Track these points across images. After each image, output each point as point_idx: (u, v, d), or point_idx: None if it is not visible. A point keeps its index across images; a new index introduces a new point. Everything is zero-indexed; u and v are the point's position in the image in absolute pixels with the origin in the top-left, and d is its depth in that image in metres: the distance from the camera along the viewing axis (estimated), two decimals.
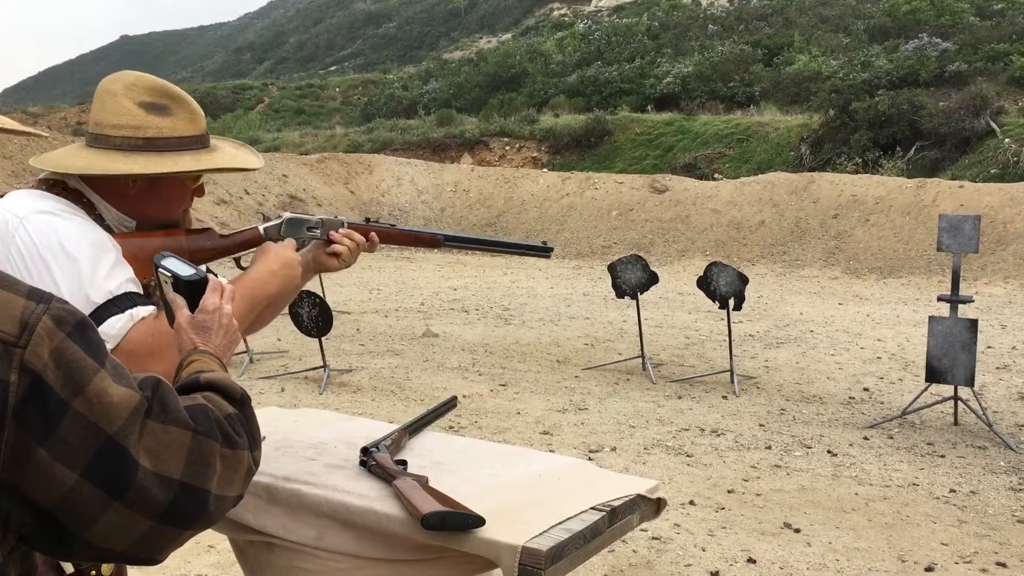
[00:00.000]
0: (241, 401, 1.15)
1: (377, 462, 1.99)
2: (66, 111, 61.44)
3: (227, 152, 1.81)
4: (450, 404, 2.56)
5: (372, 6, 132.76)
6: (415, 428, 2.32)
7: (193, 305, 1.38)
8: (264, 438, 2.21)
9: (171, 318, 1.41)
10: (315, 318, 6.95)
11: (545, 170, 26.67)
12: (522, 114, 34.56)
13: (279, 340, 8.69)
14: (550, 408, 6.62)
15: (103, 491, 0.93)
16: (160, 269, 1.44)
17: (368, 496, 1.85)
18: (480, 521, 1.70)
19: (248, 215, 19.86)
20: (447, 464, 2.10)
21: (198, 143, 1.74)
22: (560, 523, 1.77)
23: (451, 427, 5.90)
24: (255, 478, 1.57)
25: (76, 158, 1.66)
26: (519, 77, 45.27)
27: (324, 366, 7.07)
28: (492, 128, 33.02)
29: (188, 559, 3.68)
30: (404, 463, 2.03)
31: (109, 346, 1.20)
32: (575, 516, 1.81)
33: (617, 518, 1.91)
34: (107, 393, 0.94)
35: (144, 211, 1.76)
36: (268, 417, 2.54)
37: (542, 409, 6.58)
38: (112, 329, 1.56)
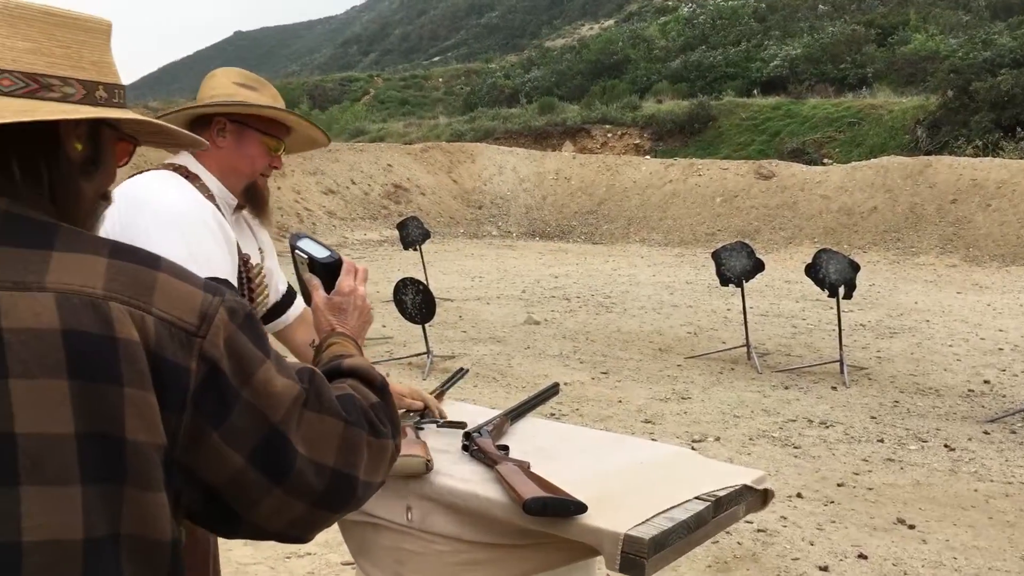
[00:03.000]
0: (382, 389, 1.18)
1: (479, 447, 2.00)
2: (184, 105, 64.00)
3: (304, 124, 2.03)
4: (552, 391, 2.56)
5: None
6: (517, 414, 2.33)
7: (328, 286, 1.41)
8: None
9: (307, 297, 1.44)
10: (419, 305, 7.05)
11: (647, 157, 26.36)
12: (624, 101, 34.22)
13: (384, 326, 8.85)
14: (652, 396, 6.55)
15: (266, 476, 0.98)
16: (297, 250, 1.48)
17: (470, 480, 1.86)
18: (582, 507, 1.68)
19: (354, 204, 20.30)
20: (549, 450, 2.09)
21: (277, 112, 1.97)
22: (663, 512, 1.74)
23: (552, 414, 5.91)
24: None
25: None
26: (621, 63, 44.83)
27: (427, 352, 7.17)
28: (594, 115, 32.80)
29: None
30: (506, 448, 2.03)
31: None
32: (679, 505, 1.78)
33: (722, 508, 1.87)
34: (272, 383, 0.99)
35: (234, 166, 1.94)
36: None
37: (644, 397, 6.52)
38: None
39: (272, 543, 3.81)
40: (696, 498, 1.83)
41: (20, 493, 0.84)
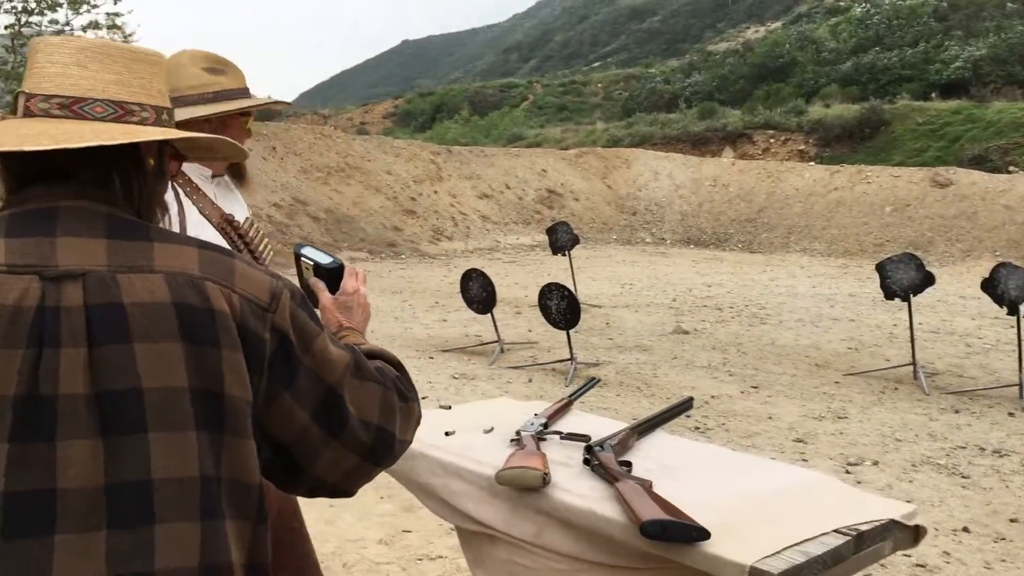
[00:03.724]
0: (400, 366, 1.37)
1: (600, 462, 1.90)
2: (352, 112, 66.75)
3: (263, 97, 2.26)
4: (684, 406, 2.43)
5: (637, 1, 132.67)
6: (645, 428, 2.22)
7: (332, 288, 1.56)
8: (492, 429, 2.20)
9: (313, 300, 1.56)
10: (563, 311, 6.98)
11: (812, 163, 25.35)
12: (789, 105, 33.10)
13: (529, 331, 8.85)
14: (805, 414, 6.23)
15: (326, 431, 1.17)
16: (301, 257, 1.64)
17: (588, 496, 1.77)
18: (705, 534, 1.57)
19: (508, 209, 20.51)
20: (675, 469, 1.97)
21: (246, 93, 2.14)
22: (796, 544, 1.60)
23: (696, 427, 5.71)
24: (479, 470, 1.93)
25: (181, 111, 1.97)
26: (787, 67, 43.42)
27: (571, 359, 7.10)
28: (756, 120, 31.90)
29: (431, 540, 3.80)
30: (629, 465, 1.93)
31: None
32: (815, 538, 1.64)
33: (865, 544, 1.71)
34: (328, 351, 1.18)
35: (223, 154, 2.09)
36: (499, 407, 2.54)
37: (796, 415, 6.21)
38: None
39: (407, 543, 3.86)
40: (835, 531, 1.68)
41: (149, 438, 1.01)
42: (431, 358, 7.53)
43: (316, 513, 4.04)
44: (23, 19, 18.36)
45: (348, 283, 1.58)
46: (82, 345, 1.00)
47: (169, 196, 1.88)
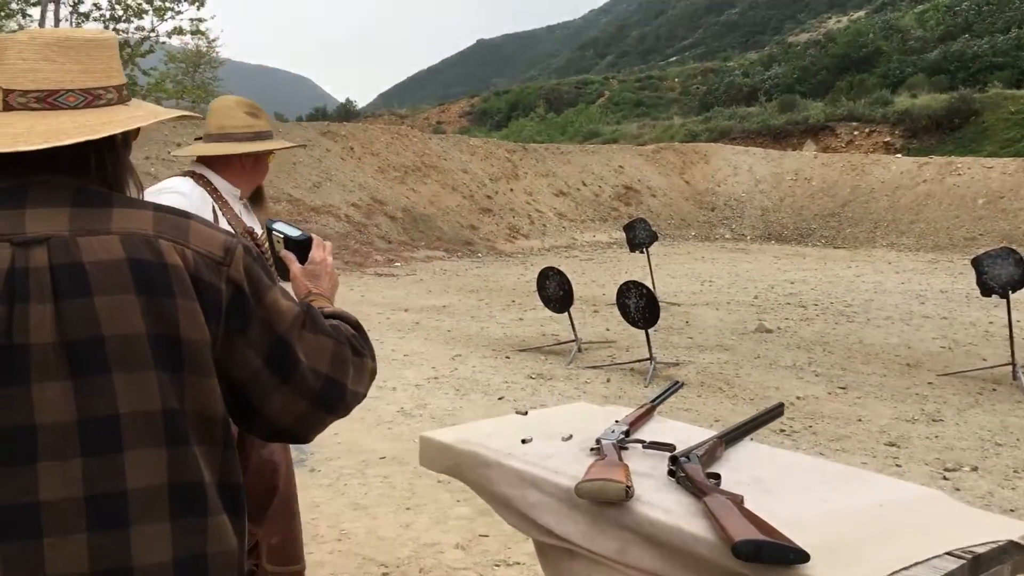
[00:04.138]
0: (357, 326, 1.47)
1: (687, 474, 1.79)
2: (428, 112, 67.32)
3: (283, 139, 2.83)
4: (775, 412, 2.29)
5: None
6: (734, 437, 2.09)
7: (302, 259, 1.70)
8: (570, 436, 2.11)
9: (282, 271, 1.73)
10: (642, 309, 6.84)
11: (898, 155, 24.52)
12: (873, 96, 32.14)
13: (607, 330, 8.71)
14: (897, 416, 5.96)
15: (276, 376, 1.29)
16: (273, 231, 1.79)
17: (674, 512, 1.67)
18: (803, 556, 1.45)
19: (585, 206, 20.35)
20: (768, 482, 1.84)
21: (271, 134, 2.69)
22: (905, 568, 1.48)
23: (782, 430, 5.51)
24: (557, 481, 1.85)
25: (218, 147, 2.58)
26: (871, 56, 42.18)
27: (650, 358, 6.94)
28: (839, 112, 31.06)
29: (508, 545, 3.72)
30: (717, 477, 1.81)
31: None
32: (925, 561, 1.50)
33: (981, 568, 1.56)
34: (279, 303, 1.31)
35: (251, 180, 2.68)
36: (578, 413, 2.44)
37: (888, 417, 5.94)
38: None
39: (484, 548, 3.78)
40: (948, 554, 1.55)
41: (113, 379, 1.14)
42: (507, 358, 7.46)
43: (392, 516, 4.01)
44: (111, 26, 18.95)
45: (316, 253, 1.72)
46: (49, 300, 1.15)
47: (208, 209, 2.49)
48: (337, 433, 5.21)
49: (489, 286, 12.23)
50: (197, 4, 19.51)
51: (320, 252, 1.73)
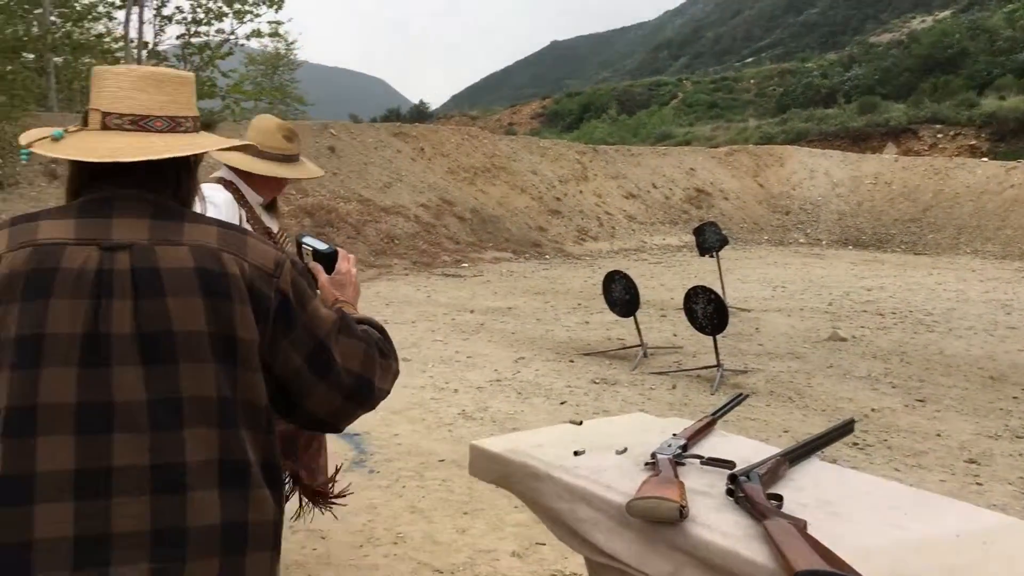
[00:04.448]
0: (383, 331, 1.65)
1: (746, 494, 1.69)
2: (500, 113, 67.47)
3: (308, 164, 3.08)
4: (844, 429, 2.17)
5: None
6: (799, 455, 1.97)
7: (328, 270, 1.86)
8: (625, 450, 2.01)
9: (313, 281, 1.81)
10: (710, 315, 6.67)
11: (984, 159, 23.63)
12: (959, 98, 31.10)
13: (674, 335, 8.53)
14: (979, 432, 5.69)
15: (315, 374, 1.48)
16: (302, 245, 1.94)
17: (732, 535, 1.57)
18: None
19: (655, 209, 20.11)
20: (835, 505, 1.73)
21: (299, 157, 3.03)
22: None
23: (855, 444, 5.30)
24: (609, 497, 1.81)
25: (259, 163, 2.87)
26: (957, 57, 40.82)
27: (718, 365, 6.77)
28: (922, 114, 30.14)
29: (565, 555, 3.64)
30: (779, 499, 1.70)
31: None
32: None
33: None
34: (319, 311, 1.51)
35: (273, 192, 3.02)
36: (634, 425, 2.34)
37: (968, 433, 5.68)
38: None
39: (541, 556, 3.71)
40: None
41: (179, 368, 1.34)
42: (571, 362, 7.36)
43: (449, 521, 3.96)
44: (192, 29, 19.40)
45: (341, 265, 1.89)
46: (129, 298, 1.35)
47: (236, 216, 2.82)
48: (398, 435, 5.19)
49: (556, 288, 12.14)
50: (275, 7, 19.83)
51: (345, 264, 1.89)
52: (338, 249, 1.91)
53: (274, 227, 3.09)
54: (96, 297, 1.34)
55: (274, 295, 1.43)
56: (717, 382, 6.61)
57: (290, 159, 3.01)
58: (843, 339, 8.63)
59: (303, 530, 3.76)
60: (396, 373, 1.63)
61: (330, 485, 2.99)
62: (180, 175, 1.48)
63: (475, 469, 2.13)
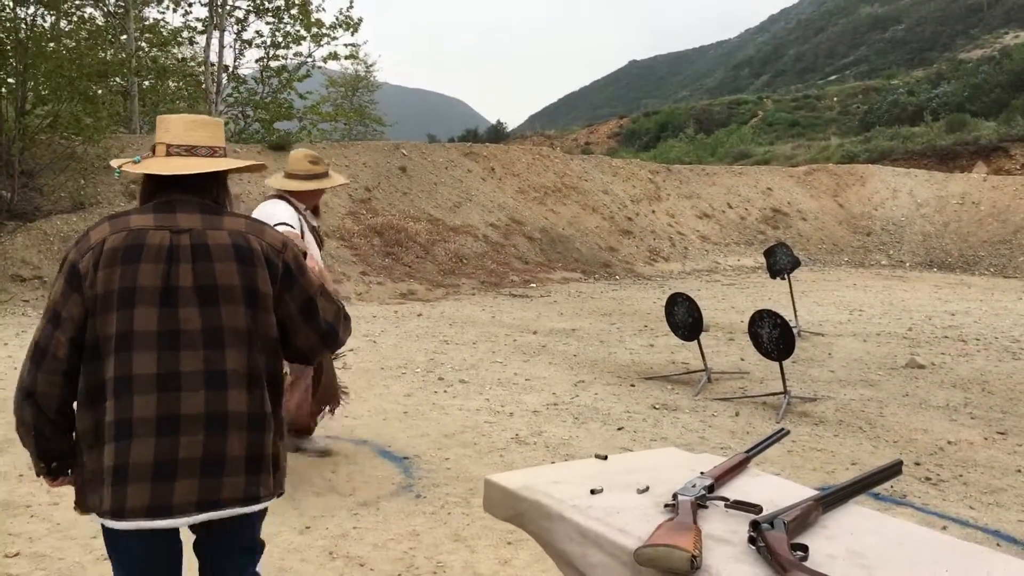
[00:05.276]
0: (341, 305, 2.41)
1: (767, 543, 1.55)
2: (577, 133, 67.35)
3: (335, 177, 4.57)
4: (891, 471, 2.00)
5: (879, 10, 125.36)
6: (835, 499, 1.82)
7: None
8: (647, 488, 1.89)
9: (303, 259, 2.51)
10: (775, 340, 6.43)
11: None
12: None
13: (742, 359, 8.27)
14: None
15: (304, 320, 2.22)
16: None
17: None
18: None
19: (729, 229, 19.72)
20: (867, 558, 1.58)
21: (326, 174, 4.50)
22: None
23: (927, 478, 5.02)
24: (622, 542, 1.70)
25: (291, 183, 4.42)
26: None
27: (785, 392, 6.51)
28: (1014, 132, 28.91)
29: None
30: (805, 549, 1.56)
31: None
32: None
33: None
34: (309, 277, 2.25)
35: (310, 201, 4.49)
36: (663, 459, 2.21)
37: None
38: (283, 227, 4.05)
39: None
40: None
41: (220, 309, 2.07)
42: (632, 386, 7.18)
43: (492, 551, 3.85)
44: (271, 52, 19.85)
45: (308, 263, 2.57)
46: (189, 262, 2.07)
47: (295, 220, 4.30)
48: (448, 459, 5.11)
49: (623, 309, 11.94)
50: (352, 31, 20.16)
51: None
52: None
53: (318, 224, 4.53)
54: (169, 262, 2.05)
55: (281, 264, 2.17)
56: (783, 410, 6.36)
57: (317, 176, 4.33)
58: (921, 366, 8.25)
59: (342, 557, 3.71)
60: (350, 331, 2.40)
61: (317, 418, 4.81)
62: (217, 184, 2.22)
63: (489, 505, 2.03)
